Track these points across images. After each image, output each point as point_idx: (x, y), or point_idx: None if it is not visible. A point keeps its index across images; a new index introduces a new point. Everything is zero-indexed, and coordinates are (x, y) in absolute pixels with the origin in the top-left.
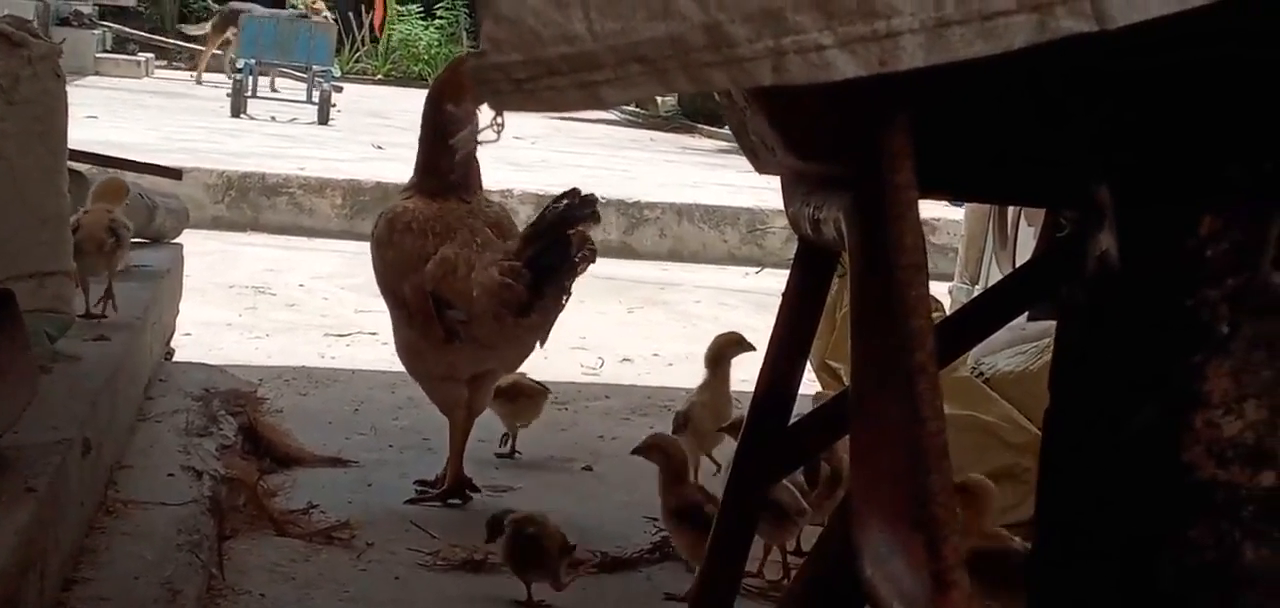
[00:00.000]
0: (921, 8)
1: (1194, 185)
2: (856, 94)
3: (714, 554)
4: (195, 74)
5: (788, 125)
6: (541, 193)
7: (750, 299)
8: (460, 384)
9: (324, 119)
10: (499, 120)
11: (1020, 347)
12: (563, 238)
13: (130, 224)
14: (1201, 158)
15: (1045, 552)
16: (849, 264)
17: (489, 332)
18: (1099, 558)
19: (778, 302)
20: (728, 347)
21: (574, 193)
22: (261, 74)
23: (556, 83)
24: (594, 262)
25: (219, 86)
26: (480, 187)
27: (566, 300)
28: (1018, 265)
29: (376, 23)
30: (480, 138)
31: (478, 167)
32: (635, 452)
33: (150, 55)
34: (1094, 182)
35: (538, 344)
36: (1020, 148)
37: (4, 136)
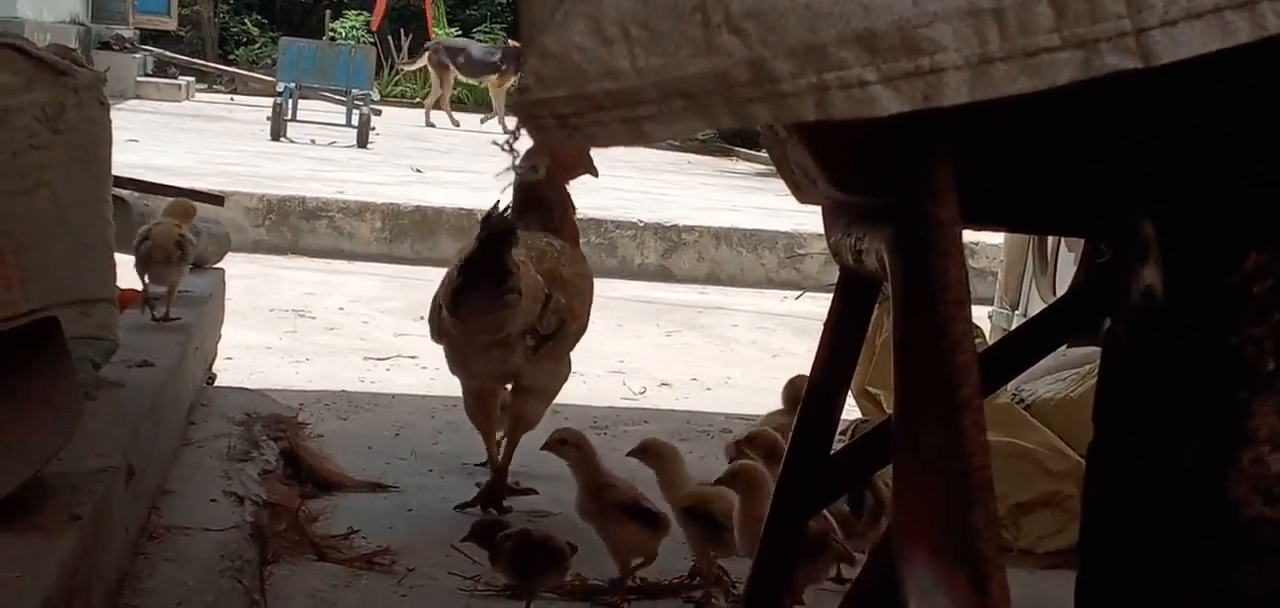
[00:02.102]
0: (965, 44)
1: (1240, 220)
2: (900, 128)
3: (756, 583)
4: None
5: (830, 158)
6: (581, 216)
7: (789, 323)
8: (470, 389)
9: (363, 142)
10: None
11: (1061, 373)
12: (488, 247)
13: (196, 241)
14: (1248, 192)
15: (1090, 587)
16: (891, 296)
17: (452, 329)
18: (1144, 594)
19: (817, 326)
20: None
21: (495, 205)
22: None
23: (601, 118)
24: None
25: (259, 108)
26: (571, 231)
27: (509, 300)
28: (1058, 290)
29: (375, 24)
30: (522, 171)
31: (571, 216)
32: (545, 448)
33: (191, 79)
34: (1138, 215)
35: (513, 350)
36: (1064, 180)
37: (49, 165)
